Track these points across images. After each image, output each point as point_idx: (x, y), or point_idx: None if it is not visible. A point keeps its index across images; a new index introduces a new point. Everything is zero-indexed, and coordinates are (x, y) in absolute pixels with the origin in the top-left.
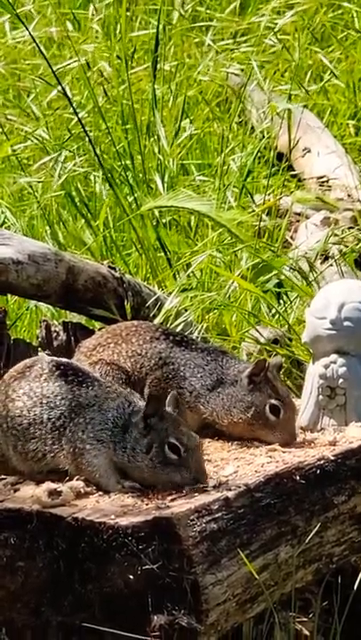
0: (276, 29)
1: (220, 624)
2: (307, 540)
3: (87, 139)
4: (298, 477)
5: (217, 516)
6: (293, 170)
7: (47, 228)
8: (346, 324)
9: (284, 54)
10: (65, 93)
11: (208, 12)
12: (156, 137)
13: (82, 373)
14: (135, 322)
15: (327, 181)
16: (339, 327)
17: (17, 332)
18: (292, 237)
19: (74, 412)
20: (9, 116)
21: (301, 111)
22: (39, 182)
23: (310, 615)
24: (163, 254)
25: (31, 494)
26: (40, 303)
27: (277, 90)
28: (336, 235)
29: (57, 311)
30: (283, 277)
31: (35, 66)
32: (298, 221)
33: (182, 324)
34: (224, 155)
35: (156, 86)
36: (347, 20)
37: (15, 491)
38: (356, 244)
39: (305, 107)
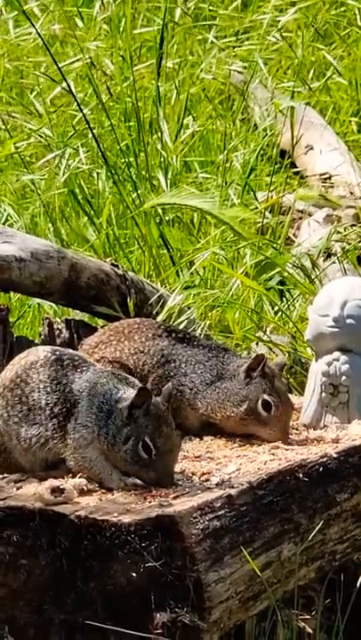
0: (278, 27)
1: (223, 622)
2: (309, 538)
3: (91, 136)
4: (301, 475)
5: (220, 513)
6: (296, 167)
7: (50, 225)
8: (349, 321)
9: (286, 51)
10: (70, 90)
11: (211, 9)
12: (159, 134)
13: (78, 358)
14: (138, 319)
15: (330, 179)
16: (341, 325)
17: (20, 330)
18: (294, 235)
19: (68, 399)
20: (12, 114)
21: (304, 108)
22: (42, 179)
23: (313, 613)
24: (166, 251)
25: (34, 492)
26: (43, 301)
27: (280, 87)
28: (339, 232)
29: (60, 309)
30: (285, 275)
31: (37, 63)
32: (300, 219)
33: (185, 322)
34: (227, 152)
35: (159, 83)
36: (349, 17)
37: (18, 488)
38: (359, 242)
39: (308, 104)
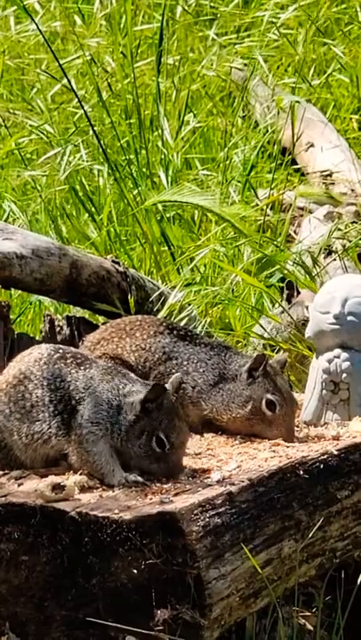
0: (279, 24)
1: (224, 618)
2: (310, 535)
3: (92, 132)
4: (301, 472)
5: (220, 510)
6: (297, 164)
7: (51, 222)
8: (349, 318)
9: (287, 48)
10: (71, 87)
11: (212, 6)
12: (159, 131)
13: (80, 356)
14: (139, 316)
15: (330, 176)
16: (342, 322)
17: (21, 327)
18: (295, 232)
19: (72, 396)
20: (13, 110)
21: (305, 106)
22: (43, 176)
23: (313, 610)
24: (166, 248)
25: (35, 489)
26: (44, 297)
27: (281, 84)
28: (339, 229)
29: (60, 305)
30: (286, 272)
31: (38, 60)
32: (301, 216)
33: (186, 319)
34: (227, 149)
35: (160, 80)
36: (350, 14)
37: (19, 485)
38: (360, 239)
39: (308, 101)
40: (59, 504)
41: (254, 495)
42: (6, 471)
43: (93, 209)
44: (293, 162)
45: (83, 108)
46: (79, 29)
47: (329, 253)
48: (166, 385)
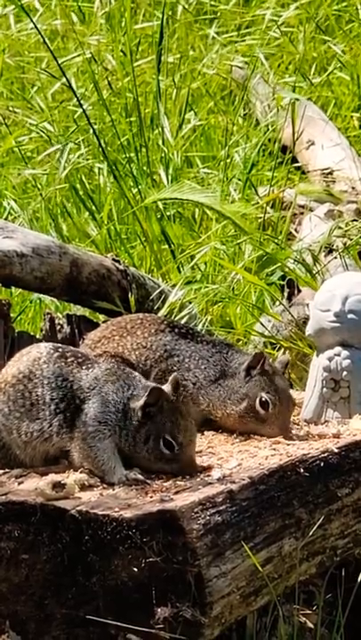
0: (280, 22)
1: (224, 617)
2: (310, 533)
3: (92, 131)
4: (302, 470)
5: (221, 508)
6: (297, 162)
7: (51, 220)
8: (350, 316)
9: (288, 47)
10: (70, 86)
11: (212, 4)
12: (160, 129)
13: (81, 355)
14: (140, 314)
15: (331, 174)
16: (343, 320)
17: (21, 325)
18: (296, 230)
19: (76, 395)
20: (14, 109)
21: (305, 104)
22: (44, 174)
23: (314, 608)
24: (167, 247)
25: (35, 487)
26: (44, 296)
27: (281, 82)
28: (340, 227)
29: (61, 304)
30: (287, 270)
31: (39, 58)
32: (302, 214)
33: (187, 317)
34: (228, 147)
35: (160, 79)
36: (351, 12)
37: (19, 483)
38: (360, 237)
39: (309, 99)
40: (59, 502)
41: (255, 493)
42: (6, 470)
43: (94, 207)
44: (294, 160)
45: (81, 106)
46: (79, 28)
47: (330, 251)
48: (164, 386)
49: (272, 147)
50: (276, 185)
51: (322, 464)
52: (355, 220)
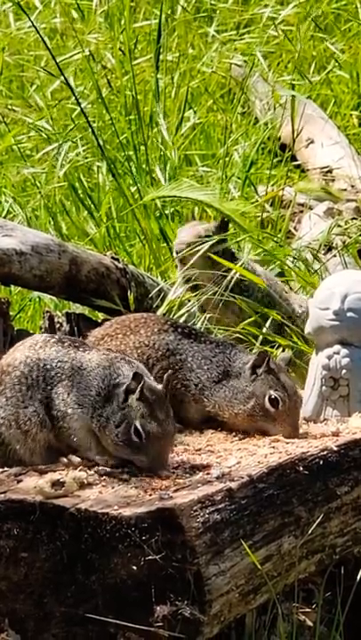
0: (278, 20)
1: (223, 615)
2: (310, 531)
3: (91, 129)
4: (301, 468)
5: (220, 506)
6: (297, 160)
7: (50, 218)
8: (349, 314)
9: (287, 45)
10: (69, 84)
11: (212, 2)
12: (159, 128)
13: (78, 342)
14: (145, 314)
15: (330, 172)
16: (342, 318)
17: (20, 323)
18: (295, 228)
19: (65, 375)
20: (13, 107)
21: (305, 102)
22: (43, 173)
23: (313, 606)
24: (166, 245)
25: (34, 485)
26: (43, 294)
27: (280, 80)
28: (339, 225)
29: (60, 302)
30: (286, 268)
31: (38, 56)
32: (301, 212)
33: (185, 315)
34: (227, 145)
35: (159, 77)
36: (350, 10)
37: (18, 482)
38: (360, 235)
39: (308, 97)
40: (58, 500)
41: (254, 491)
42: (5, 468)
43: (92, 205)
44: (293, 158)
45: (79, 104)
46: (78, 26)
47: (329, 249)
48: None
49: (271, 145)
50: (275, 183)
51: (321, 462)
52: (354, 219)
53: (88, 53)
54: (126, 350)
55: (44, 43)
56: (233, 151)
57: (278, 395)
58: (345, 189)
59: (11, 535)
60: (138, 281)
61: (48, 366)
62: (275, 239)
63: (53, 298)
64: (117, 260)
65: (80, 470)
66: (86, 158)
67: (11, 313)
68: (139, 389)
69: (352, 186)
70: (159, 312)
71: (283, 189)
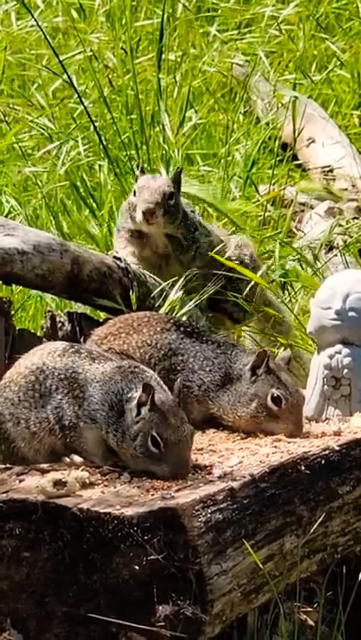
0: (280, 19)
1: (225, 614)
2: (311, 531)
3: (92, 128)
4: (303, 468)
5: (222, 506)
6: (298, 160)
7: (52, 218)
8: (351, 314)
9: (288, 44)
10: (71, 83)
11: (213, 2)
12: (160, 127)
13: (96, 352)
14: (148, 313)
15: (332, 171)
16: (344, 317)
17: (22, 323)
18: (296, 228)
19: (79, 388)
20: (14, 106)
21: (306, 102)
22: (44, 172)
23: (315, 605)
24: None
25: (36, 485)
26: (45, 294)
27: (282, 80)
28: (341, 225)
29: (62, 301)
30: (287, 267)
31: (40, 55)
32: (302, 212)
33: (187, 315)
34: (229, 145)
35: (160, 76)
36: (351, 10)
37: (20, 481)
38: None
39: (310, 97)
40: (60, 500)
41: (256, 491)
42: (8, 466)
43: (94, 205)
44: (295, 157)
45: (82, 103)
46: (80, 25)
47: (330, 249)
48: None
49: (273, 144)
50: (276, 183)
51: (323, 462)
52: (355, 218)
53: (90, 53)
54: (129, 350)
55: (48, 41)
56: (234, 150)
57: (280, 393)
58: (346, 189)
59: (13, 535)
60: (140, 281)
61: (62, 376)
62: (276, 239)
63: (55, 297)
64: (119, 259)
65: (82, 470)
66: (88, 157)
67: (12, 312)
68: (150, 400)
69: (353, 185)
70: (161, 312)
71: (284, 189)
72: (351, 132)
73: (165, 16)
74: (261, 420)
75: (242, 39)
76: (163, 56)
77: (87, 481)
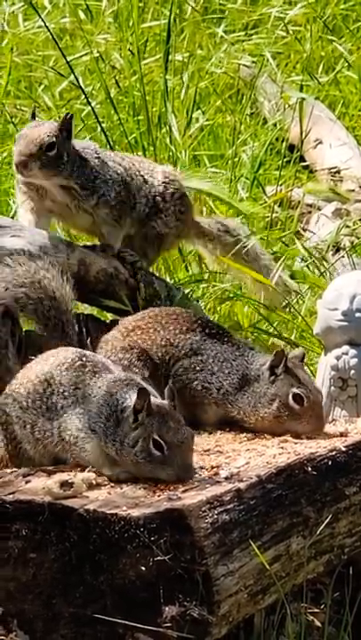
0: (287, 20)
1: (232, 615)
2: (318, 532)
3: (99, 129)
4: (309, 468)
5: (229, 507)
6: (305, 161)
7: None
8: (358, 315)
9: (295, 45)
10: (78, 84)
11: (220, 3)
12: (167, 128)
13: (101, 365)
14: (177, 309)
15: (339, 173)
16: (351, 318)
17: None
18: (304, 229)
19: (82, 402)
20: (21, 107)
21: (313, 103)
22: None
23: (322, 606)
24: None
25: (43, 486)
26: None
27: (289, 81)
28: (348, 226)
29: None
30: (294, 269)
31: (47, 56)
32: (310, 213)
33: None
34: (236, 146)
35: (167, 77)
36: (358, 11)
37: (27, 482)
38: None
39: (317, 98)
40: (67, 501)
41: (262, 492)
42: (14, 469)
43: None
44: (302, 159)
45: (90, 104)
46: (87, 26)
47: (337, 250)
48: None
49: (280, 145)
50: (283, 184)
51: (330, 463)
52: None
53: (97, 54)
54: (152, 347)
55: (56, 42)
56: (241, 152)
57: (301, 391)
58: (353, 190)
59: (19, 536)
60: (147, 281)
61: (66, 394)
62: (283, 240)
63: None
64: (126, 260)
65: (88, 471)
66: None
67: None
68: (146, 405)
69: (360, 186)
70: None
71: (291, 190)
72: (359, 133)
73: (172, 17)
74: (284, 420)
75: (249, 40)
76: (170, 57)
77: (94, 482)
